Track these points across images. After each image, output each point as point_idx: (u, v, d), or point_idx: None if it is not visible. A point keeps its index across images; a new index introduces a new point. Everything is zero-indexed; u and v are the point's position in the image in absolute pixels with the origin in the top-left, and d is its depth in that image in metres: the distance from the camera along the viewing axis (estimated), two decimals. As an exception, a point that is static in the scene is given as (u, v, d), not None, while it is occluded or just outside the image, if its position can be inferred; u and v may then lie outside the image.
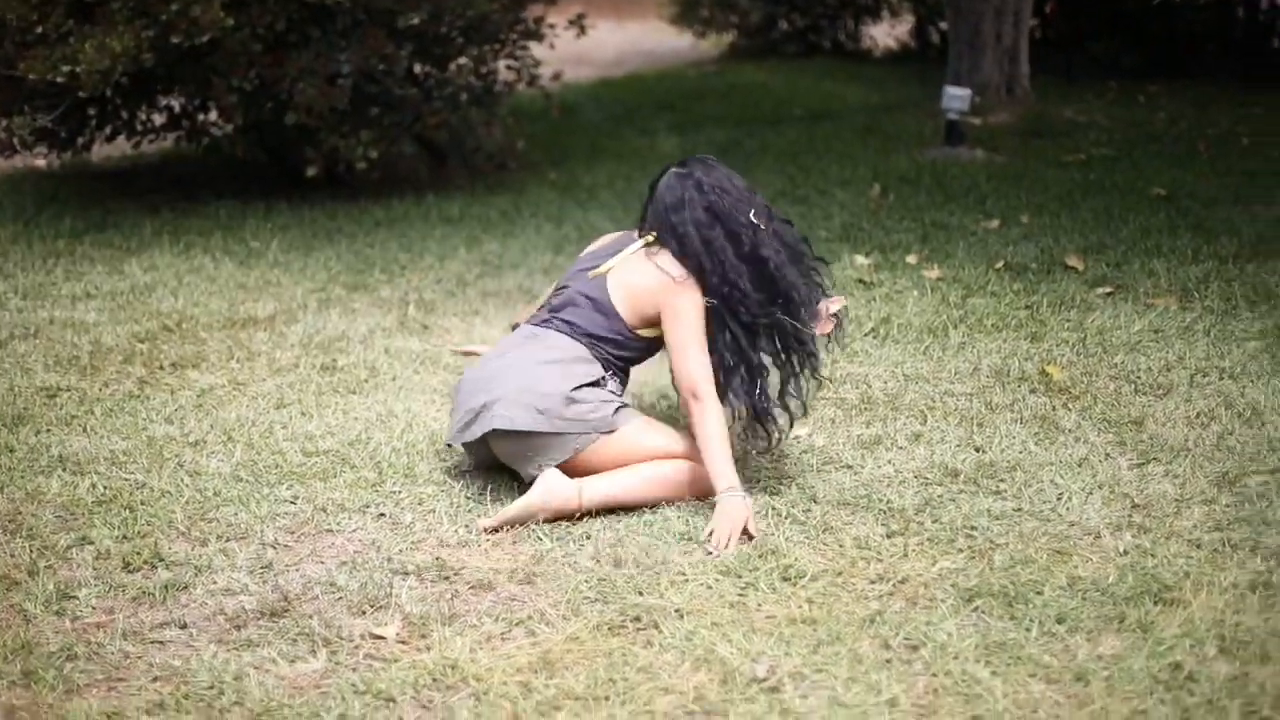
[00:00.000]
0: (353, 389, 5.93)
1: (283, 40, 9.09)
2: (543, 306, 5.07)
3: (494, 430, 4.69)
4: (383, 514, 4.67)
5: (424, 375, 6.08)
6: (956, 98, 10.73)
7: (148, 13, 8.49)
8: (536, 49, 10.82)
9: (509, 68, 10.71)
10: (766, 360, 4.84)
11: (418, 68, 10.04)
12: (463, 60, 10.12)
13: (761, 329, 4.79)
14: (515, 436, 4.70)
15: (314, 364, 6.19)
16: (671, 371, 4.82)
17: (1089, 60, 16.50)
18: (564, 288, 5.02)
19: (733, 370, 4.77)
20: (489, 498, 4.74)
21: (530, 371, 4.76)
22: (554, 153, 11.67)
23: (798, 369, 4.86)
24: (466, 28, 9.77)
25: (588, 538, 4.43)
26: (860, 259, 7.65)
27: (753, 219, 4.86)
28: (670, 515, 4.56)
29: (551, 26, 10.68)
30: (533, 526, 4.51)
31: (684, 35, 21.12)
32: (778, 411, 4.84)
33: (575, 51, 15.26)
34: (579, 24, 10.88)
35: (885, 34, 20.36)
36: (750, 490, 4.69)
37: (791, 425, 4.92)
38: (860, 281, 7.27)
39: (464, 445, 4.87)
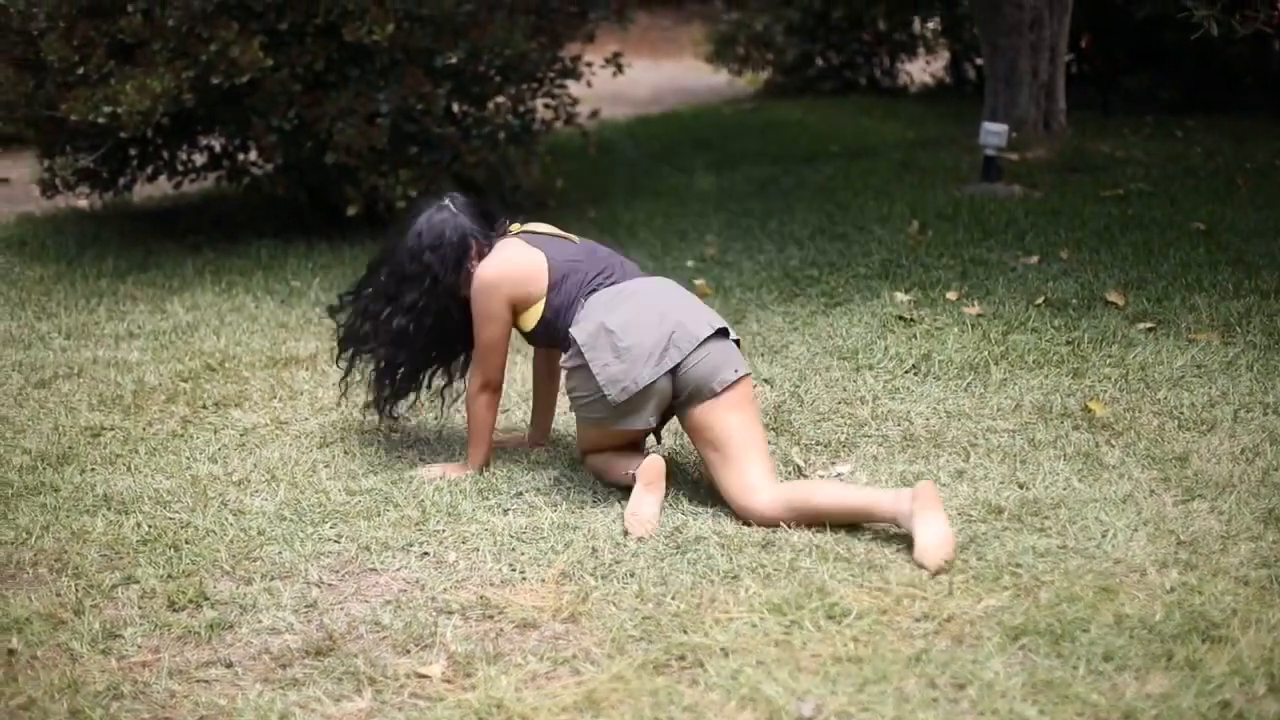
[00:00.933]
0: (394, 427, 5.94)
1: (322, 80, 9.14)
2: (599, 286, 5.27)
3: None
4: (426, 553, 4.68)
5: (465, 412, 6.08)
6: (994, 133, 10.72)
7: (187, 53, 8.56)
8: (574, 87, 10.87)
9: (547, 106, 10.75)
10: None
11: (456, 106, 10.08)
12: (500, 99, 10.17)
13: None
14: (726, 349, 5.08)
15: (355, 403, 6.20)
16: None
17: (1125, 95, 16.48)
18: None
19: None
20: (529, 535, 4.75)
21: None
22: (593, 190, 11.69)
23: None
24: (504, 66, 9.82)
25: (632, 575, 4.43)
26: (900, 296, 7.64)
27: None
28: (714, 553, 4.55)
29: (589, 65, 10.71)
30: (578, 565, 4.51)
31: (720, 73, 21.18)
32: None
33: (612, 90, 15.26)
34: (616, 62, 10.92)
35: (921, 70, 20.39)
36: (792, 529, 4.70)
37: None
38: (900, 318, 7.25)
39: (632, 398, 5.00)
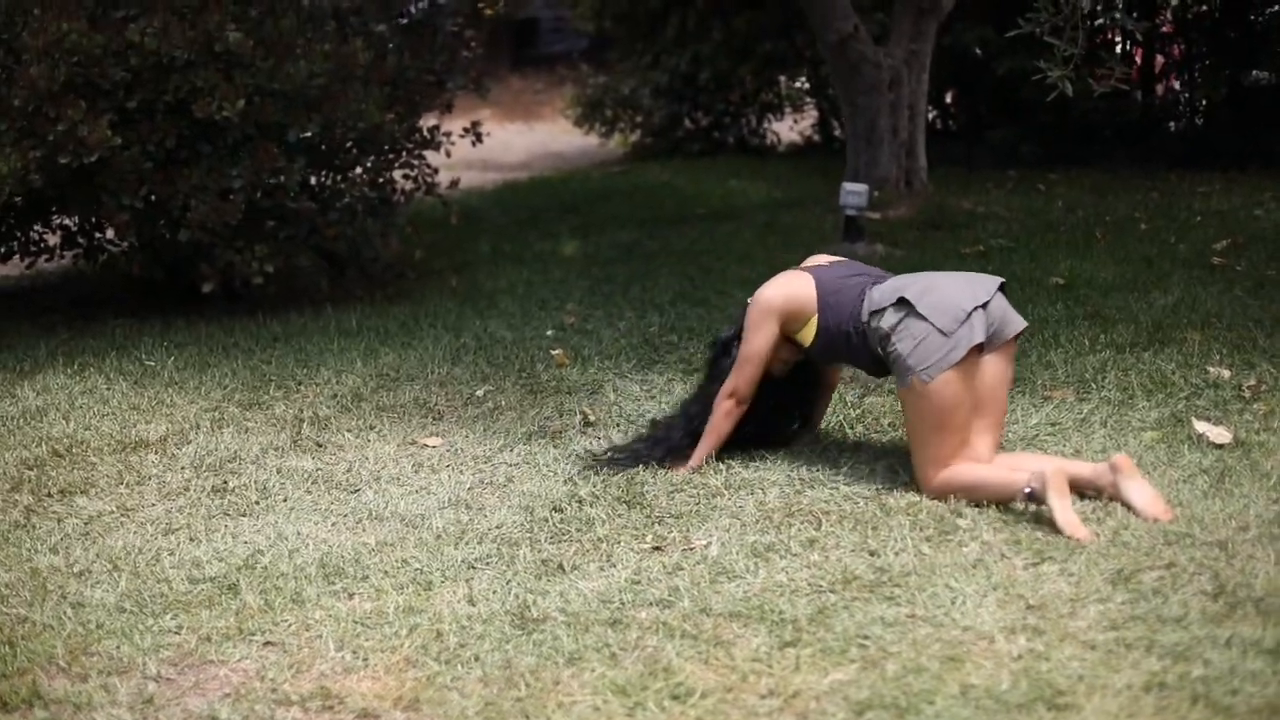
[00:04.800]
0: (243, 511, 5.84)
1: (174, 157, 9.05)
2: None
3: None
4: (269, 641, 4.57)
5: (315, 495, 5.99)
6: (854, 193, 10.77)
7: (35, 133, 8.44)
8: (444, 154, 10.81)
9: (406, 176, 10.69)
10: None
11: (315, 180, 10.00)
12: (358, 171, 10.10)
13: None
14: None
15: (205, 486, 6.10)
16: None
17: (989, 150, 16.66)
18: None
19: None
20: (373, 620, 4.66)
21: None
22: (456, 259, 11.63)
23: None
24: (360, 139, 9.75)
25: (476, 659, 4.35)
26: (760, 360, 7.62)
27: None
28: (560, 633, 4.48)
29: (447, 135, 10.66)
30: (422, 650, 4.43)
31: (592, 135, 21.20)
32: None
33: (482, 156, 15.23)
34: (475, 131, 10.88)
35: (789, 129, 20.50)
36: (640, 606, 4.65)
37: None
38: (758, 383, 7.24)
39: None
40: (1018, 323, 5.69)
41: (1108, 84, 8.26)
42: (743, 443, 6.14)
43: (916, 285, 5.64)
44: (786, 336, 5.96)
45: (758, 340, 5.94)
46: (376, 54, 9.90)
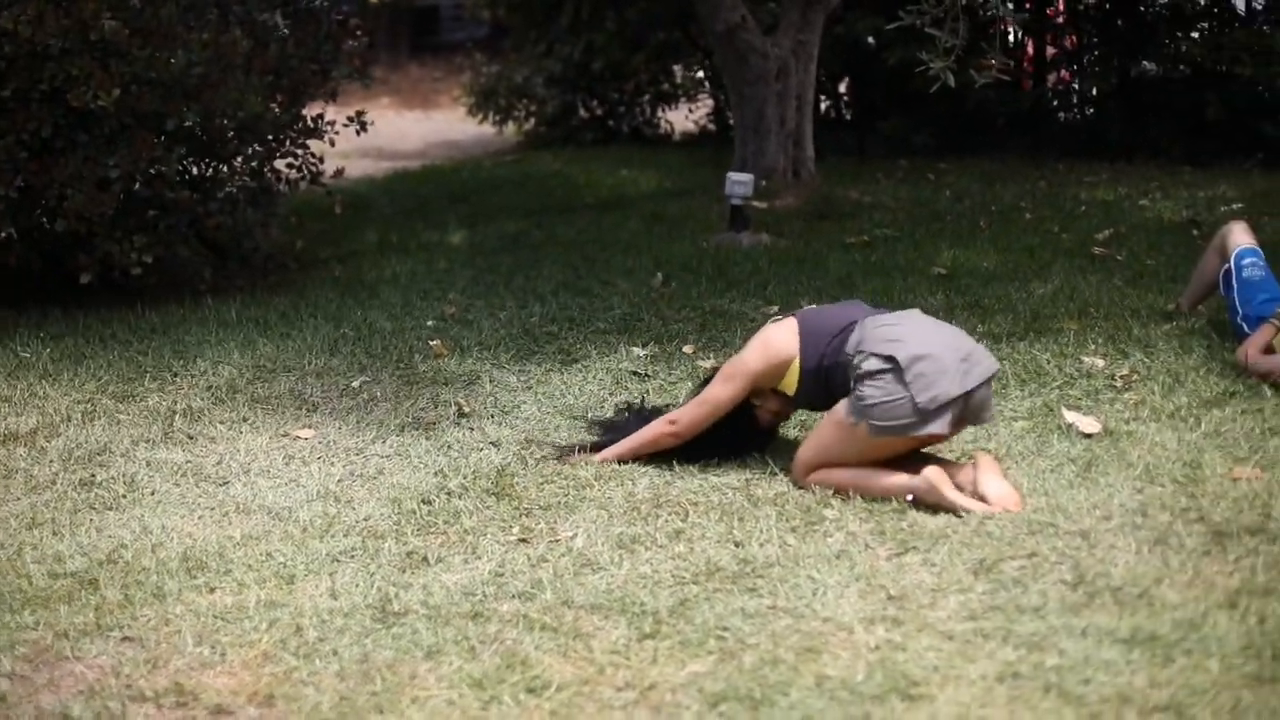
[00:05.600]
0: (110, 505, 5.77)
1: (49, 146, 8.92)
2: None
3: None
4: (128, 637, 4.52)
5: (184, 488, 5.93)
6: (739, 183, 10.78)
7: (-94, 123, 8.32)
8: (337, 142, 10.71)
9: (290, 166, 10.60)
10: None
11: (195, 169, 9.91)
12: (239, 161, 10.01)
13: None
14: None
15: (72, 479, 6.03)
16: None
17: (881, 140, 16.72)
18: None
19: None
20: (234, 614, 4.62)
21: None
22: (342, 249, 11.55)
23: None
24: (240, 128, 9.66)
25: (335, 653, 4.32)
26: (637, 350, 7.61)
27: None
28: (420, 626, 4.46)
29: (331, 124, 10.57)
30: (281, 645, 4.40)
31: (487, 124, 21.12)
32: None
33: (378, 144, 15.23)
34: (359, 121, 10.79)
35: (684, 118, 20.49)
36: (503, 598, 4.64)
37: None
38: (635, 374, 7.23)
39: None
40: (989, 416, 5.68)
41: (989, 75, 8.32)
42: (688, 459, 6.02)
43: (910, 345, 5.47)
44: (772, 390, 5.87)
45: (723, 394, 5.85)
46: (258, 43, 9.80)
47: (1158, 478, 5.58)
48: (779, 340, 5.80)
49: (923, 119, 16.58)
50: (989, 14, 8.27)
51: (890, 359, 5.41)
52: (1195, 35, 16.59)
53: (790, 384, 5.77)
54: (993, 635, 4.26)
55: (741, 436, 5.99)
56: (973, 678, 4.00)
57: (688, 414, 5.90)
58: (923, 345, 5.47)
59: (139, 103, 8.95)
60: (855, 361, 5.50)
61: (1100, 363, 7.08)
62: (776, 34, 13.48)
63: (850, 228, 11.38)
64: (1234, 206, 11.98)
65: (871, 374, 5.43)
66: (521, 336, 8.03)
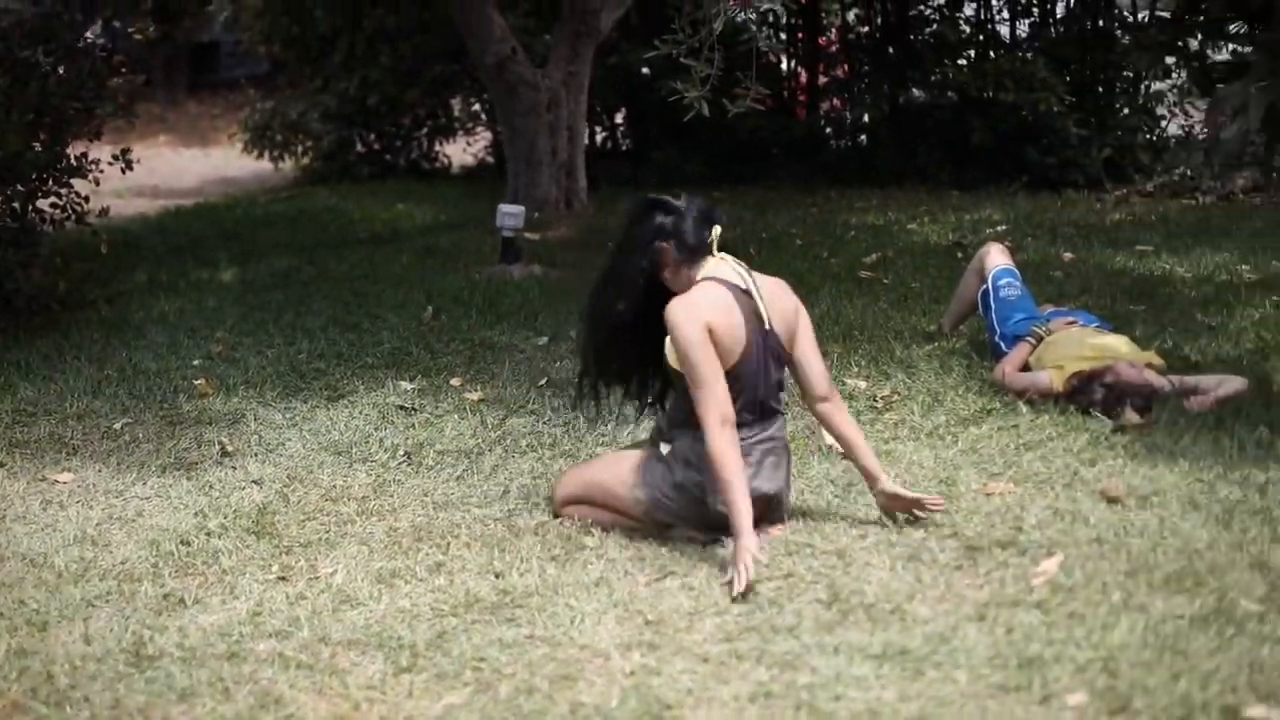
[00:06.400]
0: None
1: None
2: None
3: None
4: None
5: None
6: (510, 215, 10.80)
7: None
8: (101, 180, 10.50)
9: (55, 205, 10.40)
10: None
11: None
12: (-2, 201, 9.81)
13: None
14: None
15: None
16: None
17: (657, 169, 16.82)
18: None
19: None
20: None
21: None
22: (110, 289, 11.33)
23: None
24: (-2, 168, 9.49)
25: (86, 700, 4.24)
26: (405, 384, 7.58)
27: None
28: (173, 669, 4.39)
29: (95, 163, 10.38)
30: (31, 693, 4.31)
31: (264, 159, 20.89)
32: None
33: (154, 182, 14.97)
34: (125, 159, 10.62)
35: (462, 151, 20.46)
36: (259, 637, 4.59)
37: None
38: (402, 408, 7.20)
39: None
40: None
41: (744, 104, 8.42)
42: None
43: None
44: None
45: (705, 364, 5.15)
46: (17, 79, 9.61)
47: (914, 495, 5.69)
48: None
49: (696, 148, 16.73)
50: (751, 45, 8.34)
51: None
52: (962, 63, 16.97)
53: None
54: (747, 656, 4.31)
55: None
56: (726, 699, 4.04)
57: (709, 405, 5.11)
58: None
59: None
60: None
61: (863, 384, 7.21)
62: (547, 66, 13.54)
63: (622, 258, 11.43)
64: (999, 229, 12.28)
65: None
66: (288, 373, 7.95)
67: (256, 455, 6.62)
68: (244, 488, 6.15)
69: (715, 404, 5.07)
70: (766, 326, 5.29)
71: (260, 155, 20.82)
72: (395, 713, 4.06)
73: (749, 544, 4.87)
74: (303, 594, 4.96)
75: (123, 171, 10.66)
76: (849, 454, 5.56)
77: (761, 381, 5.29)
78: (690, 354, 5.10)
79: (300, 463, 6.48)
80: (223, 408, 7.38)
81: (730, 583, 4.78)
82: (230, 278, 11.58)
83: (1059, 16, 17.36)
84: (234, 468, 6.45)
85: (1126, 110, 16.62)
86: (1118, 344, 7.14)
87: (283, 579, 5.12)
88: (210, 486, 6.21)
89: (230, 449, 6.67)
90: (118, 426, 7.16)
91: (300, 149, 20.46)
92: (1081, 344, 7.10)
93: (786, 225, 12.85)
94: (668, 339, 5.23)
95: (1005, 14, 17.63)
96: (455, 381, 7.63)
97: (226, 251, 13.15)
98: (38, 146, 9.81)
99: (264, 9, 20.33)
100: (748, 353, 5.22)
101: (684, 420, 5.31)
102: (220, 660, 4.45)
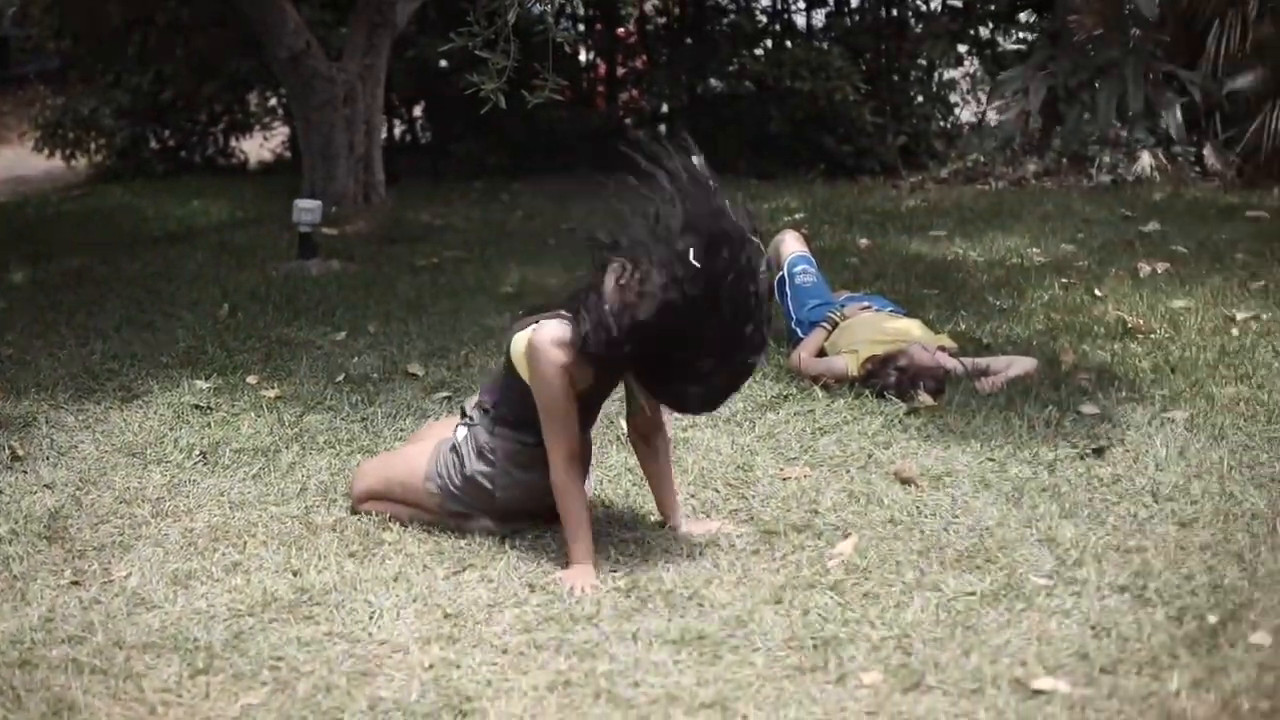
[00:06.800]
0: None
1: None
2: None
3: None
4: None
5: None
6: (306, 210, 10.69)
7: None
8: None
9: None
10: None
11: None
12: None
13: None
14: None
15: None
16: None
17: (457, 162, 16.78)
18: None
19: None
20: None
21: None
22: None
23: None
24: None
25: None
26: (200, 383, 7.47)
27: None
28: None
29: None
30: None
31: (56, 158, 20.47)
32: None
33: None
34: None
35: (260, 147, 20.23)
36: (52, 644, 4.52)
37: None
38: (197, 407, 7.09)
39: None
40: None
41: (542, 96, 8.43)
42: None
43: None
44: None
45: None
46: None
47: (711, 481, 5.77)
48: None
49: (496, 140, 16.69)
50: (547, 36, 8.37)
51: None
52: (759, 52, 17.12)
53: None
54: (546, 646, 4.34)
55: None
56: (525, 689, 4.06)
57: (559, 442, 5.07)
58: None
59: None
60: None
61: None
62: (343, 59, 13.44)
63: (421, 250, 11.40)
64: (796, 216, 12.41)
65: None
66: (81, 375, 7.80)
67: (48, 459, 6.49)
68: (35, 492, 6.02)
69: (565, 440, 5.03)
70: None
71: (52, 154, 20.40)
72: (192, 715, 4.02)
73: (586, 580, 4.85)
74: (96, 598, 4.88)
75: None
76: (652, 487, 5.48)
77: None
78: (549, 388, 5.02)
79: (93, 465, 6.36)
80: (13, 411, 7.22)
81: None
82: (21, 278, 11.33)
83: (854, 6, 17.59)
84: (25, 472, 6.31)
85: (920, 98, 16.91)
86: (911, 327, 7.27)
87: (76, 583, 5.03)
88: (0, 492, 6.09)
89: (21, 453, 6.53)
90: (-102, 438, 6.99)
91: (93, 146, 20.07)
92: (876, 328, 7.21)
93: (584, 215, 12.87)
94: (517, 346, 5.17)
95: (801, 3, 17.81)
96: (252, 379, 7.55)
97: (16, 252, 12.85)
98: None
99: (53, 2, 19.92)
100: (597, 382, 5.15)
101: (507, 419, 5.28)
102: (11, 668, 4.37)
